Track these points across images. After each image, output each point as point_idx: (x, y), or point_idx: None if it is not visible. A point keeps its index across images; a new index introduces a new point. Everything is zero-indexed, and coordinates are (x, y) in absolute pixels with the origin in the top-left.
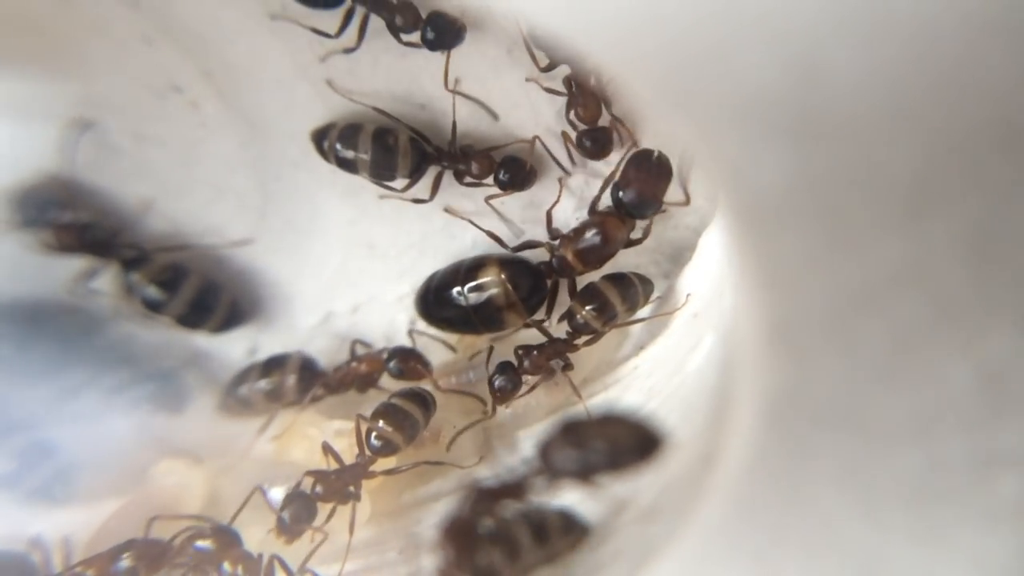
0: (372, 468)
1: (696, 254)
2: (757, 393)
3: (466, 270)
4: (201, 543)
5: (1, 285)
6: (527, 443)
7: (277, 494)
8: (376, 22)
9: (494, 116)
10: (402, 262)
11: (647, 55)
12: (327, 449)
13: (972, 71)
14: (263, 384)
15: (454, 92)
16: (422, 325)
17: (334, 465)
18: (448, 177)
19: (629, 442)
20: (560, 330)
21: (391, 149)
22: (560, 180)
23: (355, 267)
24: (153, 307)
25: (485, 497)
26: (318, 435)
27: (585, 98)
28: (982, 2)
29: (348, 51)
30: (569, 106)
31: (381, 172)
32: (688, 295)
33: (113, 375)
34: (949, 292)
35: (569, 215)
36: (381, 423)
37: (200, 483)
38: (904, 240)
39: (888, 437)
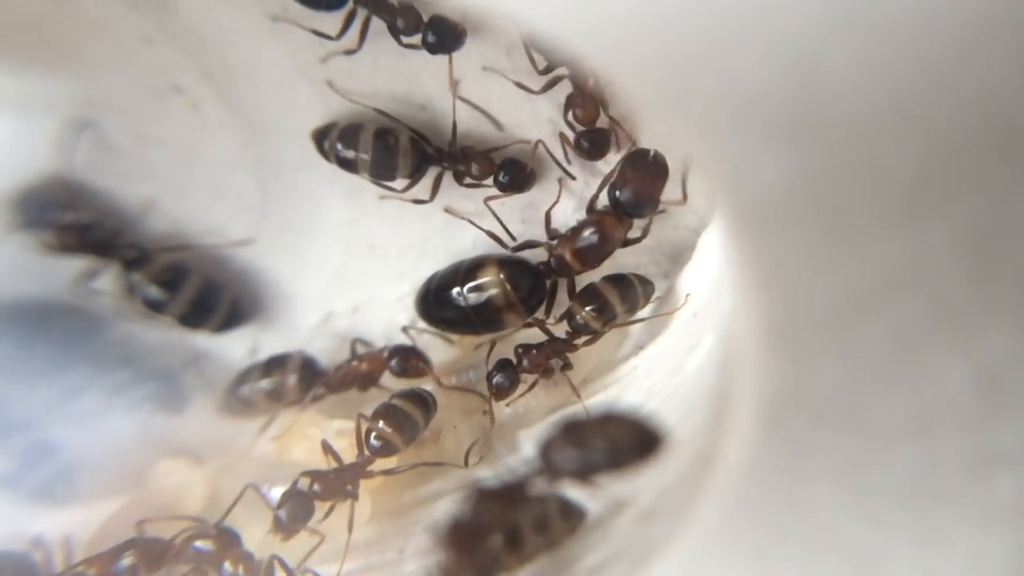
0: (371, 468)
1: (695, 254)
2: (756, 393)
3: (465, 271)
4: (201, 543)
5: (3, 285)
6: (527, 443)
7: (278, 494)
8: (377, 24)
9: (498, 126)
10: (402, 262)
11: (647, 56)
12: (327, 448)
13: (971, 72)
14: (264, 384)
15: (460, 99)
16: (421, 325)
17: (334, 465)
18: (448, 178)
19: (629, 441)
20: (559, 330)
21: (392, 149)
22: (560, 181)
23: (355, 267)
24: (154, 307)
25: (487, 498)
26: (319, 435)
27: (583, 99)
28: (981, 3)
29: (349, 53)
30: (567, 107)
31: (381, 172)
32: (687, 295)
33: (114, 375)
34: (948, 292)
35: (569, 216)
36: (381, 423)
37: (201, 483)
38: (903, 240)
39: (887, 437)
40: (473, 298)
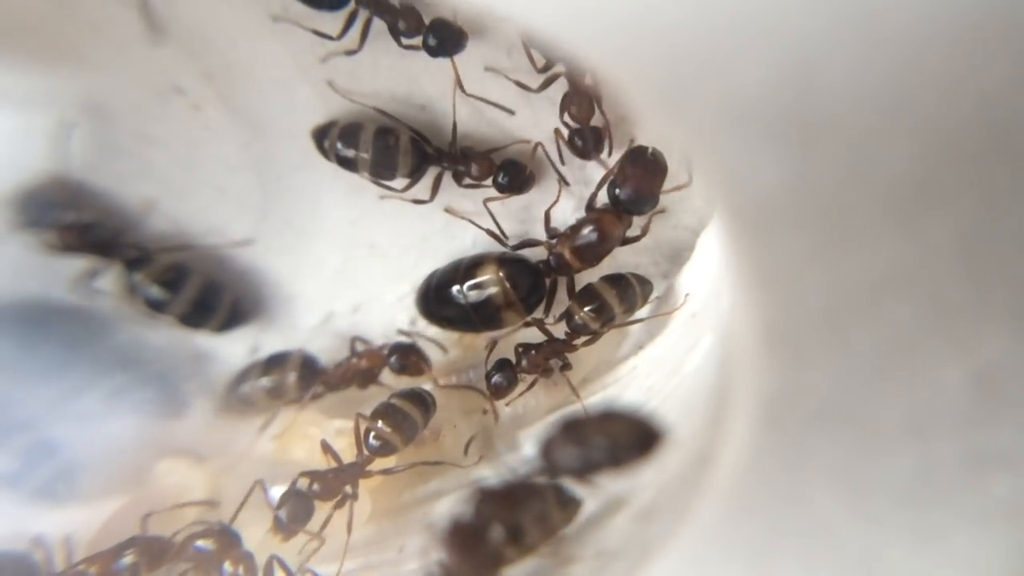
0: (370, 468)
1: (694, 254)
2: (754, 393)
3: (465, 269)
4: (201, 543)
5: (5, 286)
6: (528, 442)
7: (278, 493)
8: (378, 24)
9: (510, 112)
10: (403, 262)
11: (647, 60)
12: (326, 448)
13: (968, 75)
14: (264, 382)
15: (470, 96)
16: (420, 325)
17: (334, 464)
18: (448, 177)
19: (630, 438)
20: (558, 329)
21: (392, 148)
22: (559, 180)
23: (356, 267)
24: (156, 307)
25: (489, 499)
26: (318, 434)
27: (579, 97)
28: (974, 7)
29: (350, 53)
30: (563, 105)
31: (381, 171)
32: (686, 295)
33: (115, 378)
34: (945, 293)
35: (568, 215)
36: (380, 423)
37: (201, 483)
38: (900, 242)
39: (883, 437)
40: (473, 296)
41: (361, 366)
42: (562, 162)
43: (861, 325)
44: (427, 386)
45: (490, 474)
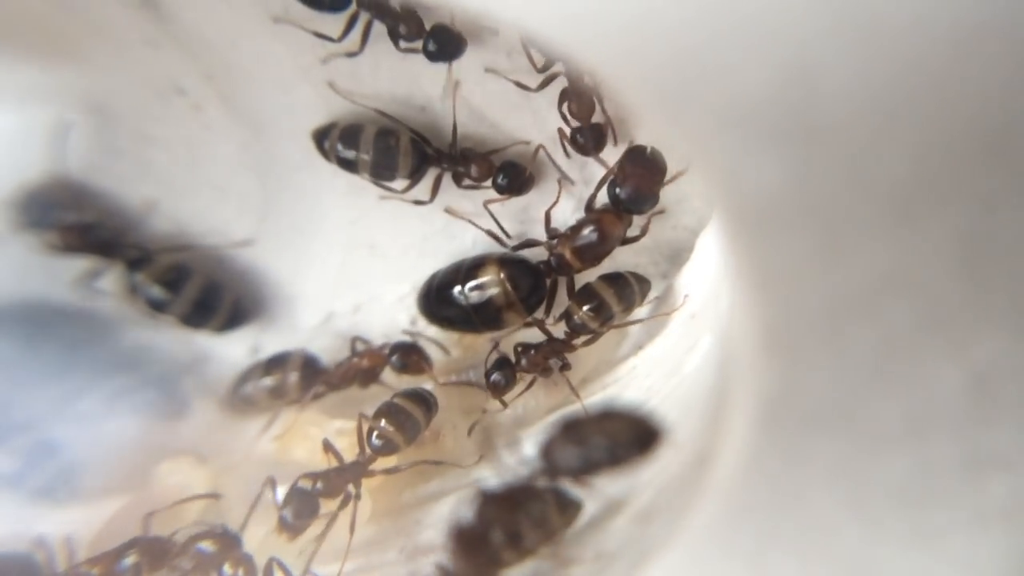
0: (372, 467)
1: (694, 255)
2: (753, 394)
3: (466, 270)
4: (202, 544)
5: (7, 286)
6: (528, 443)
7: (279, 494)
8: (379, 26)
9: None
10: (403, 262)
11: (644, 63)
12: (328, 447)
13: (964, 80)
14: (266, 382)
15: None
16: (420, 325)
17: (336, 464)
18: (448, 178)
19: (629, 436)
20: (559, 329)
21: (392, 150)
22: (559, 181)
23: (356, 267)
24: (157, 307)
25: (490, 502)
26: (320, 434)
27: (578, 95)
28: (969, 13)
29: (351, 55)
30: (562, 103)
31: (381, 172)
32: (685, 296)
33: (116, 380)
34: (939, 296)
35: (568, 216)
36: (383, 422)
37: (203, 483)
38: (897, 244)
39: (880, 439)
40: (474, 297)
41: (362, 365)
42: (567, 156)
43: (860, 326)
44: (428, 385)
45: (490, 474)
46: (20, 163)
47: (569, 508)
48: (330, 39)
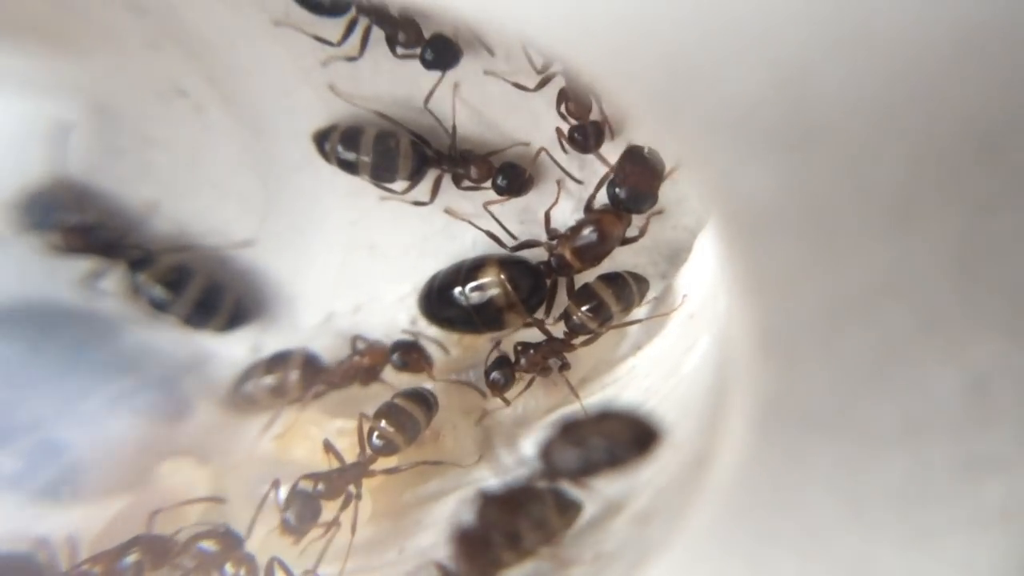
0: (372, 467)
1: (692, 255)
2: (750, 396)
3: (467, 271)
4: (204, 544)
5: (10, 288)
6: (527, 443)
7: (280, 494)
8: (378, 30)
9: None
10: (403, 262)
11: (639, 68)
12: (328, 447)
13: (957, 87)
14: (267, 380)
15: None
16: (420, 325)
17: (336, 464)
18: (448, 179)
19: (627, 436)
20: (559, 329)
21: (392, 152)
22: (559, 182)
23: (356, 267)
24: (159, 307)
25: (491, 503)
26: (320, 434)
27: (576, 94)
28: (967, 14)
29: (350, 60)
30: (560, 102)
31: (382, 174)
32: (684, 296)
33: (119, 380)
34: (936, 300)
35: (568, 216)
36: (383, 422)
37: (205, 483)
38: (892, 249)
39: (876, 442)
40: (475, 298)
41: (363, 363)
42: (565, 154)
43: (855, 330)
44: (428, 385)
45: (490, 474)
46: (22, 165)
47: (569, 509)
48: (330, 43)
